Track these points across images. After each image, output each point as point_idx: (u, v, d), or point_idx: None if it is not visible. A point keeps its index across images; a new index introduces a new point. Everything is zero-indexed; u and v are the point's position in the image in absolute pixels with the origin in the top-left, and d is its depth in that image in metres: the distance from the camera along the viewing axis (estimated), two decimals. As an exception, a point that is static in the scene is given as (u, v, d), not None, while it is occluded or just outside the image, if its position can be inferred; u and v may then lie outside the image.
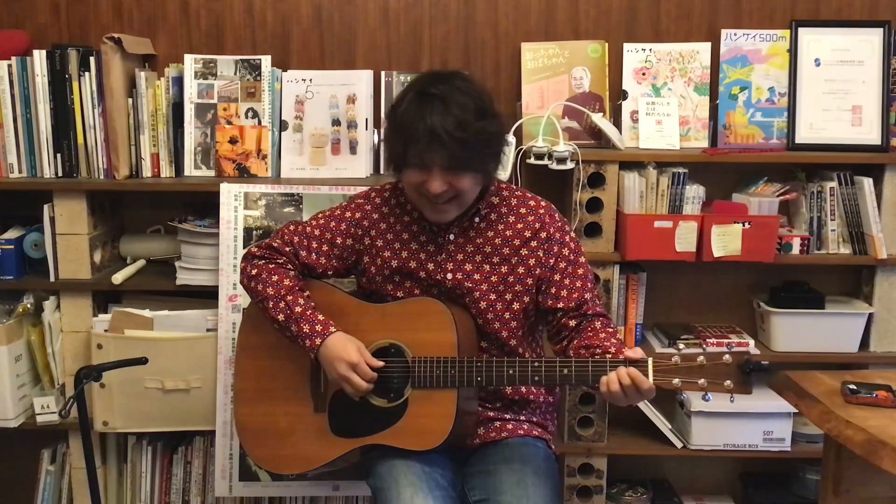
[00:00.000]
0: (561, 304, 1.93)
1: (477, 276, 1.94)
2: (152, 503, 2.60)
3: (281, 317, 1.93)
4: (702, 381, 1.70)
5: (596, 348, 1.84)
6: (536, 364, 1.83)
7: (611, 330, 1.91)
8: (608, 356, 1.79)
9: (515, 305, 1.95)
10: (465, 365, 1.85)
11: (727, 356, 1.70)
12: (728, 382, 1.69)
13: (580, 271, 1.96)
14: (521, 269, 1.94)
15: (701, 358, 1.71)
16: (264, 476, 2.42)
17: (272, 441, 2.03)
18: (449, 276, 1.94)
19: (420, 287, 1.97)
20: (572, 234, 2.01)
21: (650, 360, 1.73)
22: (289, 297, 1.93)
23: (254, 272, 1.98)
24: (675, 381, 1.70)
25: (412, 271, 1.96)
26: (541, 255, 1.94)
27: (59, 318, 2.49)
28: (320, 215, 2.05)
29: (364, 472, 2.00)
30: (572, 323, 1.93)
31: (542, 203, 2.00)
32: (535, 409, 2.06)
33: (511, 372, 1.84)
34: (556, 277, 1.94)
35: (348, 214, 2.02)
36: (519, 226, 1.95)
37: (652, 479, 2.79)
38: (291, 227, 2.03)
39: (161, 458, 2.60)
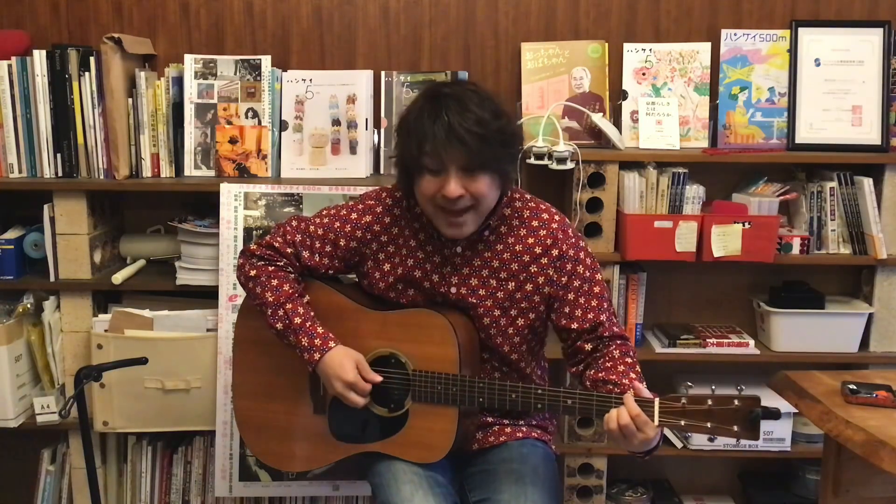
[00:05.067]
0: (575, 325, 1.85)
1: (482, 292, 1.87)
2: (152, 503, 2.60)
3: (279, 325, 1.88)
4: (709, 424, 1.62)
5: (613, 386, 1.76)
6: (540, 392, 1.78)
7: (630, 361, 1.81)
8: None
9: (520, 322, 1.89)
10: (468, 385, 1.81)
11: (737, 401, 1.61)
12: (735, 428, 1.61)
13: (596, 290, 1.87)
14: (528, 287, 1.87)
15: (709, 402, 1.62)
16: (264, 476, 2.42)
17: (273, 438, 2.02)
18: (453, 289, 1.88)
19: (423, 297, 1.91)
20: (588, 251, 1.91)
21: (656, 401, 1.64)
22: (288, 306, 1.88)
23: (252, 273, 1.93)
24: (682, 422, 1.63)
25: (416, 280, 1.90)
26: (551, 272, 1.86)
27: (59, 318, 2.49)
28: (325, 213, 1.97)
29: (364, 469, 1.99)
30: (588, 347, 1.86)
31: (556, 217, 1.91)
32: (535, 415, 2.04)
33: (514, 396, 1.79)
34: (570, 296, 1.86)
35: (354, 216, 1.93)
36: (530, 240, 1.87)
37: (652, 479, 2.80)
38: (294, 224, 1.96)
39: (161, 458, 2.60)
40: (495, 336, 1.90)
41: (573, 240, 1.89)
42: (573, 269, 1.86)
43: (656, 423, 1.63)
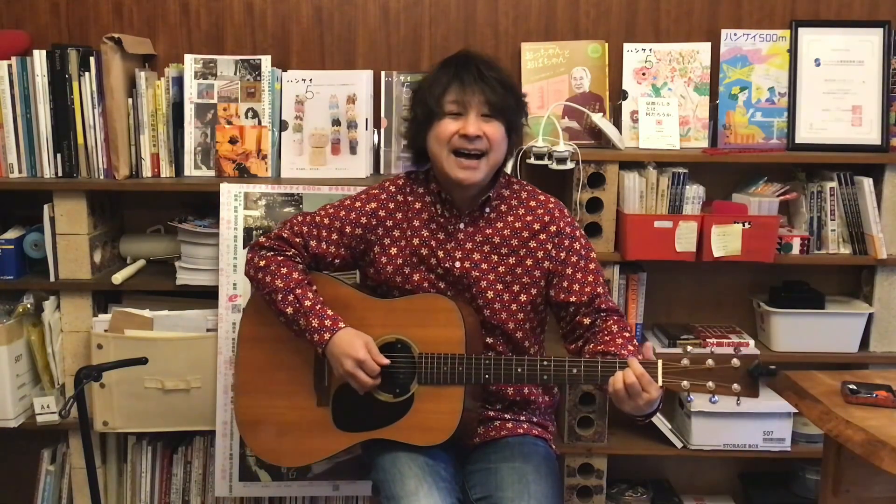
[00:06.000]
0: (574, 298, 1.94)
1: (485, 266, 1.95)
2: (152, 503, 2.60)
3: (289, 310, 1.92)
4: (710, 383, 1.71)
5: (614, 357, 1.81)
6: (545, 363, 1.83)
7: (627, 335, 1.90)
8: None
9: (522, 297, 1.96)
10: (474, 362, 1.85)
11: (735, 360, 1.71)
12: (736, 386, 1.70)
13: (591, 266, 1.98)
14: (529, 261, 1.96)
15: (710, 361, 1.72)
16: (264, 476, 2.42)
17: (273, 434, 2.02)
18: (457, 264, 1.95)
19: (429, 277, 1.97)
20: (582, 231, 2.04)
21: (660, 362, 1.73)
22: (298, 291, 1.93)
23: (262, 263, 1.98)
24: (684, 383, 1.71)
25: (423, 258, 1.97)
26: (550, 248, 1.96)
27: (59, 318, 2.49)
28: (329, 206, 2.05)
29: (366, 468, 2.00)
30: (587, 321, 1.94)
31: (552, 199, 2.04)
32: (535, 410, 2.06)
33: (520, 370, 1.84)
34: (568, 271, 1.96)
35: (358, 204, 2.02)
36: (528, 218, 1.98)
37: (652, 479, 2.79)
38: (300, 218, 2.04)
39: (161, 458, 2.60)
40: (500, 311, 1.96)
41: (569, 219, 2.01)
42: (570, 246, 1.97)
43: (660, 383, 1.72)
